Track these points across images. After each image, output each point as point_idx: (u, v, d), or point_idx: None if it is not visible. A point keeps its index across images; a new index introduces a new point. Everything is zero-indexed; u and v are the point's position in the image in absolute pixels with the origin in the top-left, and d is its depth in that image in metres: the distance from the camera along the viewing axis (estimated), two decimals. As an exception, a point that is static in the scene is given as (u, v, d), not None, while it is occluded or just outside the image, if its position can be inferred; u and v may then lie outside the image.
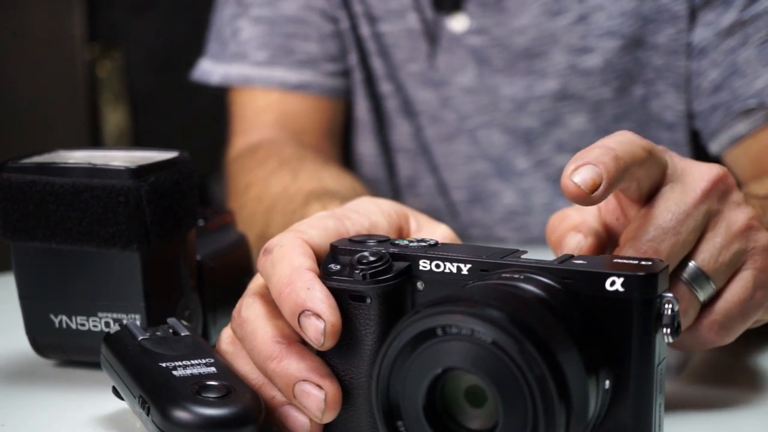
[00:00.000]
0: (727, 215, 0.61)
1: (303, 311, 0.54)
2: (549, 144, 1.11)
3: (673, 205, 0.59)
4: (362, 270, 0.55)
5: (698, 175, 0.60)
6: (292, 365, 0.55)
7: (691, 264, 0.60)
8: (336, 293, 0.55)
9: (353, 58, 1.14)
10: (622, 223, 0.62)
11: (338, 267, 0.56)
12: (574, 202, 0.55)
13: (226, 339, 0.60)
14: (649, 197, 0.60)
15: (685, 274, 0.59)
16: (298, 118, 1.14)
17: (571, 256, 0.54)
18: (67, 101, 2.13)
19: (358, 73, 1.15)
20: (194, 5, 1.73)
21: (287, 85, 1.13)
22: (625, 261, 0.53)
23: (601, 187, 0.55)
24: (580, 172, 0.55)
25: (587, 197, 0.55)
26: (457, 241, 0.65)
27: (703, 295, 0.60)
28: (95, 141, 2.15)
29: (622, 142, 0.57)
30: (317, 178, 0.98)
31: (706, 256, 0.60)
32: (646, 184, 0.59)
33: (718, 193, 0.60)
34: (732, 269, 0.61)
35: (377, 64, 1.14)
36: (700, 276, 0.60)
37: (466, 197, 1.15)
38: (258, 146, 1.11)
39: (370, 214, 0.63)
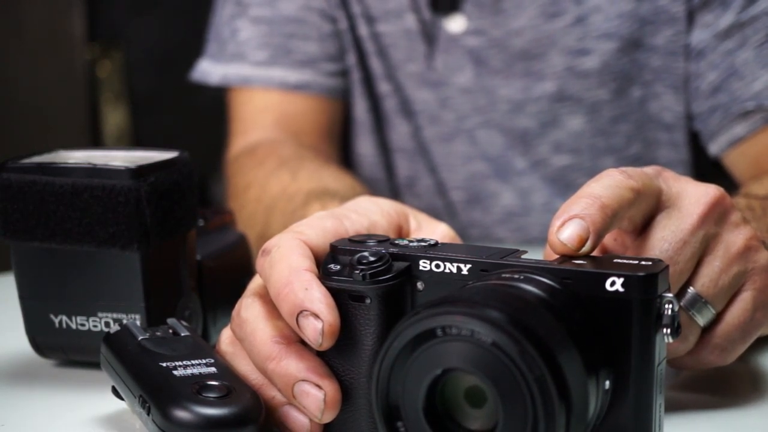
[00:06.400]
0: (725, 238, 0.60)
1: (301, 311, 0.54)
2: (546, 145, 1.11)
3: (670, 234, 0.58)
4: (362, 270, 0.55)
5: (694, 199, 0.59)
6: (292, 365, 0.55)
7: (690, 290, 0.59)
8: (336, 293, 0.55)
9: (352, 58, 1.14)
10: (620, 243, 0.61)
11: (338, 267, 0.56)
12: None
13: (225, 339, 0.60)
14: (644, 226, 0.59)
15: (684, 301, 0.59)
16: (298, 118, 1.14)
17: (571, 257, 0.54)
18: (67, 101, 2.14)
19: (357, 73, 1.15)
20: (194, 5, 1.73)
21: (286, 85, 1.14)
22: (625, 261, 0.53)
23: (589, 242, 0.54)
24: (567, 228, 0.54)
25: (576, 254, 0.54)
26: (458, 240, 0.65)
27: (702, 320, 0.59)
28: (95, 141, 2.15)
29: (610, 186, 0.56)
30: (317, 177, 0.98)
31: (705, 281, 0.59)
32: (639, 218, 0.59)
33: (715, 216, 0.60)
34: (731, 292, 0.60)
35: (376, 64, 1.14)
36: (700, 302, 0.59)
37: (465, 198, 1.15)
38: (257, 146, 1.11)
39: (369, 214, 0.63)
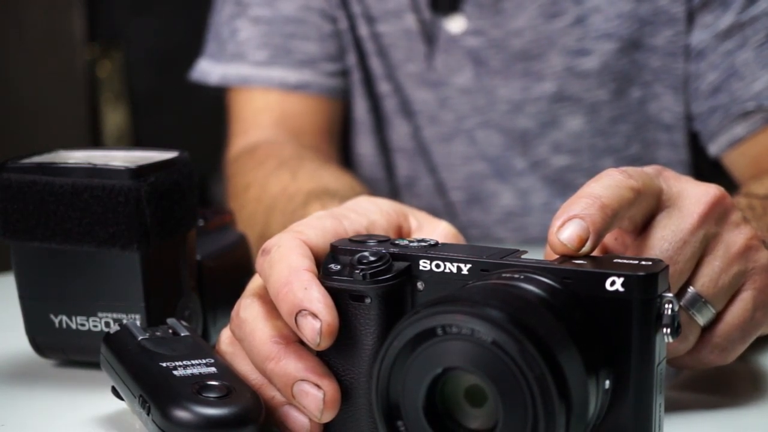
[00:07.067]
0: (725, 237, 0.60)
1: (300, 311, 0.54)
2: (545, 145, 1.11)
3: (670, 234, 0.58)
4: (362, 270, 0.55)
5: (695, 199, 0.59)
6: (291, 365, 0.55)
7: (690, 290, 0.59)
8: (336, 293, 0.55)
9: (352, 58, 1.14)
10: (620, 243, 0.62)
11: (338, 267, 0.56)
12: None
13: (225, 339, 0.61)
14: (644, 225, 0.59)
15: (684, 301, 0.59)
16: (298, 118, 1.14)
17: (571, 257, 0.54)
18: (67, 101, 2.13)
19: (357, 73, 1.15)
20: (194, 5, 1.73)
21: (286, 85, 1.13)
22: (625, 261, 0.53)
23: (589, 242, 0.54)
24: (567, 228, 0.54)
25: (576, 254, 0.54)
26: (459, 238, 0.65)
27: (702, 320, 0.59)
28: (95, 141, 2.15)
29: (610, 186, 0.56)
30: (316, 177, 0.98)
31: (705, 281, 0.59)
32: (639, 217, 0.59)
33: (715, 216, 0.60)
34: (731, 291, 0.60)
35: (375, 64, 1.14)
36: (700, 301, 0.59)
37: (465, 198, 1.15)
38: (257, 147, 1.11)
39: (368, 213, 0.63)
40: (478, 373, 0.48)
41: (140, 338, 0.59)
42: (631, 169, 0.58)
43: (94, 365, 0.64)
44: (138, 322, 0.65)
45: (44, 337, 0.68)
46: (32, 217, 0.65)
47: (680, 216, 0.59)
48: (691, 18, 1.04)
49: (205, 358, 0.58)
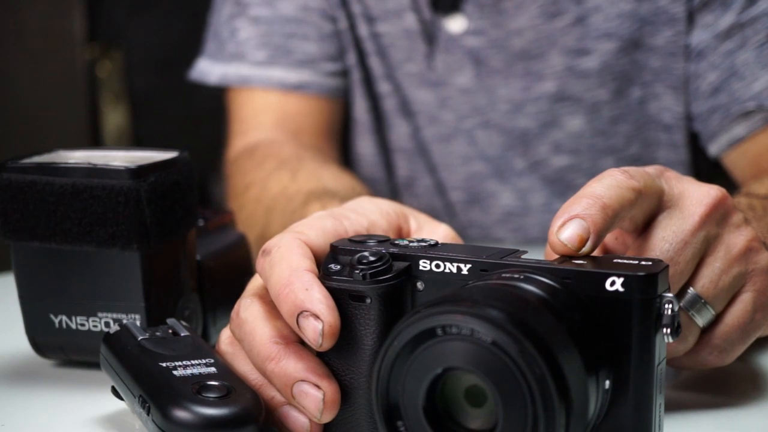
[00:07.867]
0: (726, 239, 0.60)
1: (301, 312, 0.54)
2: (546, 145, 1.11)
3: (671, 235, 0.58)
4: (362, 270, 0.55)
5: (696, 200, 0.59)
6: (290, 365, 0.55)
7: (690, 291, 0.59)
8: (336, 293, 0.55)
9: (351, 58, 1.14)
10: (621, 242, 0.62)
11: (338, 267, 0.56)
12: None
13: (225, 339, 0.61)
14: (645, 226, 0.59)
15: (684, 302, 0.59)
16: (297, 118, 1.14)
17: (571, 257, 0.54)
18: (67, 101, 2.13)
19: (357, 73, 1.15)
20: (194, 5, 1.73)
21: (286, 85, 1.13)
22: (625, 261, 0.53)
23: (589, 242, 0.54)
24: (567, 228, 0.54)
25: (576, 254, 0.54)
26: (459, 241, 0.65)
27: (702, 321, 0.59)
28: (95, 141, 2.15)
29: (611, 186, 0.56)
30: (316, 177, 0.98)
31: (705, 282, 0.59)
32: (640, 218, 0.59)
33: (716, 218, 0.60)
34: (731, 293, 0.60)
35: (375, 64, 1.14)
36: (699, 302, 0.59)
37: (464, 198, 1.15)
38: (256, 147, 1.11)
39: (368, 214, 0.63)
40: (478, 373, 0.48)
41: (140, 338, 0.59)
42: (632, 170, 0.58)
43: (94, 365, 0.64)
44: (138, 322, 0.65)
45: (44, 337, 0.68)
46: (32, 217, 0.65)
47: (681, 217, 0.59)
48: (691, 18, 1.04)
49: (205, 358, 0.58)
